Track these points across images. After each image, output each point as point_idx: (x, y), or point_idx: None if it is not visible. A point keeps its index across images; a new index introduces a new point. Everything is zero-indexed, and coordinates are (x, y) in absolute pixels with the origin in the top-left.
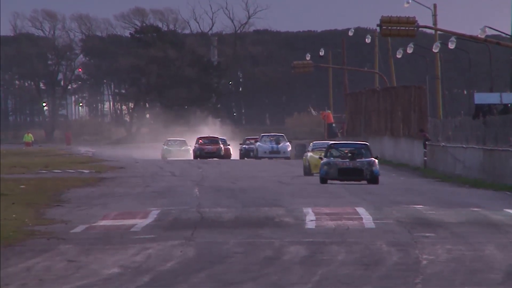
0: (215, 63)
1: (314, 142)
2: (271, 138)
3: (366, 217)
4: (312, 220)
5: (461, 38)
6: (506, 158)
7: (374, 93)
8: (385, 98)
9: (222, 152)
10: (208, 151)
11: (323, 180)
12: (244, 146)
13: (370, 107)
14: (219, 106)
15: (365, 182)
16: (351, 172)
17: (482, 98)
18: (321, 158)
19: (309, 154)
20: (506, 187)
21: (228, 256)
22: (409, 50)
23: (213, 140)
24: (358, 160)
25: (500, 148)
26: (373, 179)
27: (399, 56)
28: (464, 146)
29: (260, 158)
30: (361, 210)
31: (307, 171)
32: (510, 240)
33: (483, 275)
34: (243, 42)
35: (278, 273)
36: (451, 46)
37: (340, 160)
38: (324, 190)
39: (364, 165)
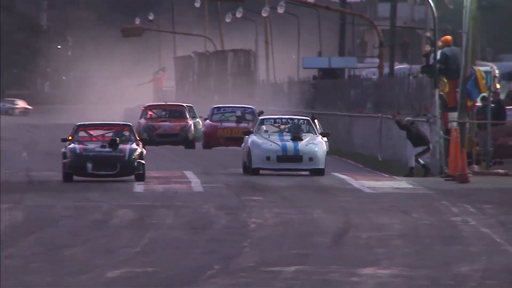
0: (45, 27)
1: None
2: (282, 125)
3: (195, 181)
4: (140, 184)
5: (291, 2)
6: (334, 122)
7: (203, 57)
8: (215, 62)
9: (191, 136)
10: (165, 131)
11: None
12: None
13: (199, 71)
14: (48, 70)
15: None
16: None
17: (310, 62)
18: None
19: None
20: (334, 151)
21: (56, 220)
22: (238, 15)
23: (176, 112)
24: None
25: (329, 112)
26: None
27: (228, 20)
28: (292, 110)
29: (257, 170)
30: (189, 174)
31: None
32: (339, 204)
33: (312, 239)
34: (75, 6)
35: (107, 237)
36: (280, 10)
37: None
38: (155, 154)
39: None
